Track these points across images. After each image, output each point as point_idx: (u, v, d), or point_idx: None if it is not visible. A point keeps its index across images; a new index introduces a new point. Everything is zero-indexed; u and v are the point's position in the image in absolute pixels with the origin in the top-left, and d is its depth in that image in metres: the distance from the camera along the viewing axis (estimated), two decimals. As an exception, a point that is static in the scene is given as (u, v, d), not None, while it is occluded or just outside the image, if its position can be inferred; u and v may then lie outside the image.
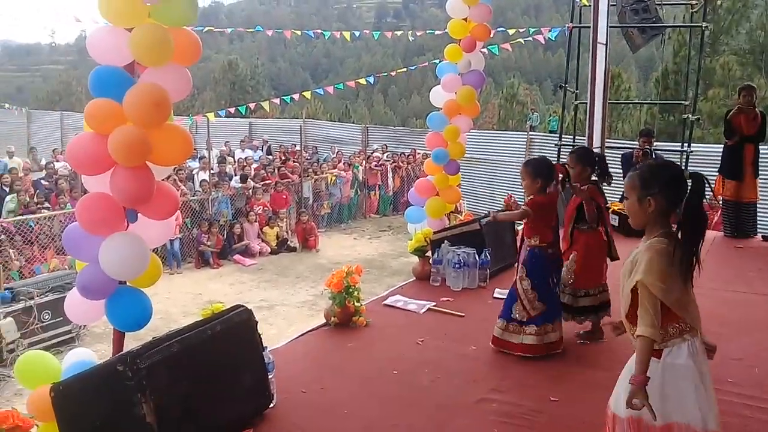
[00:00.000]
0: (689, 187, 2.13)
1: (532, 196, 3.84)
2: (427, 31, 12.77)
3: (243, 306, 3.22)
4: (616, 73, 23.68)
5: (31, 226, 9.90)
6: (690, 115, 10.81)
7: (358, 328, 4.35)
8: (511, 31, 11.86)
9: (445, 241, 5.37)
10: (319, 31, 14.87)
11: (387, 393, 3.45)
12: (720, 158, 7.29)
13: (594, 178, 4.25)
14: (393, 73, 13.55)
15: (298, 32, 13.84)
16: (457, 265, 5.20)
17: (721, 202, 7.52)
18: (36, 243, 9.88)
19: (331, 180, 14.86)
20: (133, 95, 2.66)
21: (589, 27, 8.99)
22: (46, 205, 10.82)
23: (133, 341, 3.19)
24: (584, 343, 4.12)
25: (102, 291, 2.88)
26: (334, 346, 4.10)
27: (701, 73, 12.85)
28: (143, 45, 2.68)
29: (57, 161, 15.25)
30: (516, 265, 4.09)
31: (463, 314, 4.63)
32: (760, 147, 6.85)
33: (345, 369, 3.74)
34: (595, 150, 8.40)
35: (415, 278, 5.52)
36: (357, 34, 14.54)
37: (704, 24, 10.09)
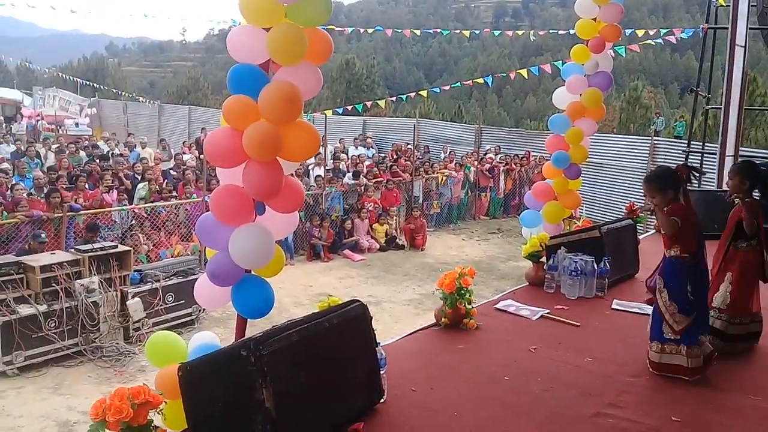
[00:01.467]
0: None
1: (668, 207, 3.61)
2: (550, 31, 12.43)
3: (359, 301, 3.27)
4: (752, 77, 22.10)
5: (160, 212, 10.57)
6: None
7: (469, 330, 4.32)
8: (640, 32, 11.32)
9: (562, 247, 5.22)
10: (438, 30, 14.86)
11: (498, 398, 3.39)
12: None
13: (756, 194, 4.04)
14: (512, 75, 13.28)
15: (417, 31, 13.89)
16: (573, 273, 5.04)
17: None
18: (163, 229, 10.54)
19: (442, 180, 14.84)
20: (269, 93, 2.77)
21: (727, 28, 8.49)
22: (174, 193, 11.49)
23: (250, 329, 3.34)
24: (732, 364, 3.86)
25: (229, 278, 3.03)
26: (444, 346, 4.09)
27: None
28: (280, 44, 2.78)
29: (185, 153, 16.17)
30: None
31: (578, 324, 4.48)
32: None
33: (455, 370, 3.72)
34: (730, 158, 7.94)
35: (528, 283, 5.41)
36: (477, 32, 14.41)
37: None
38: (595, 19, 5.56)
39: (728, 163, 8.04)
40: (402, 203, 13.79)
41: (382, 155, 17.84)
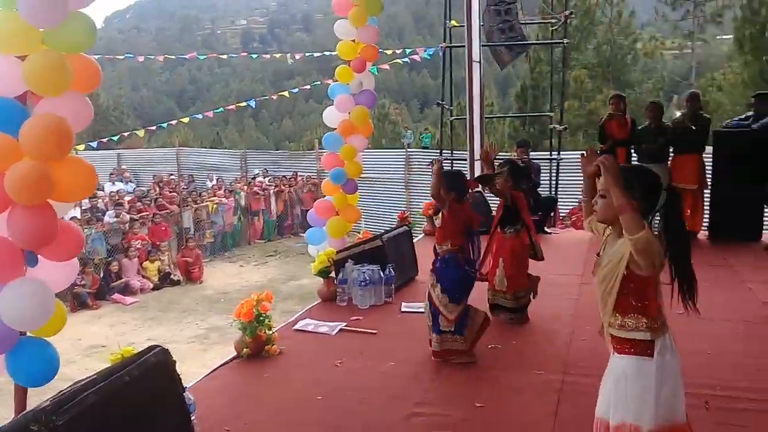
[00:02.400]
0: (665, 200, 2.18)
1: (449, 206, 3.96)
2: (306, 54, 12.80)
3: (159, 346, 3.02)
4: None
5: None
6: (557, 125, 11.57)
7: (272, 356, 4.23)
8: (388, 52, 12.15)
9: (349, 260, 5.36)
10: (194, 54, 14.46)
11: (314, 419, 3.37)
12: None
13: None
14: (274, 97, 13.43)
15: (173, 57, 13.39)
16: (363, 283, 5.20)
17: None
18: None
19: (212, 208, 14.43)
20: (31, 127, 2.45)
21: (462, 46, 9.41)
22: None
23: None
24: (495, 347, 4.26)
25: (2, 344, 2.61)
26: (250, 378, 3.96)
27: (559, 86, 13.79)
28: (39, 73, 2.48)
29: None
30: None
31: (375, 331, 4.63)
32: (630, 150, 7.38)
33: (266, 400, 3.62)
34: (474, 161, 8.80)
35: (321, 300, 5.45)
36: (234, 56, 14.26)
37: (566, 40, 10.87)
38: (354, 41, 5.82)
39: (477, 166, 8.89)
40: (172, 236, 13.12)
41: (143, 189, 16.81)
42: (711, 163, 7.19)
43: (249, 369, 4.07)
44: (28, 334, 2.77)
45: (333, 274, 5.44)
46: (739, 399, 3.33)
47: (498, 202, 4.78)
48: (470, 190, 4.17)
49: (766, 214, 7.12)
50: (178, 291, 11.86)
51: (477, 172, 8.68)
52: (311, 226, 6.12)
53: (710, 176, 7.17)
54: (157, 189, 15.60)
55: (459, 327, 3.92)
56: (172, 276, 12.26)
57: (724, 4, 24.66)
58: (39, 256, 2.69)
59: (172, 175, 17.21)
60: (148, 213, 12.94)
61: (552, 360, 4.01)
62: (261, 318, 4.23)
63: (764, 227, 7.14)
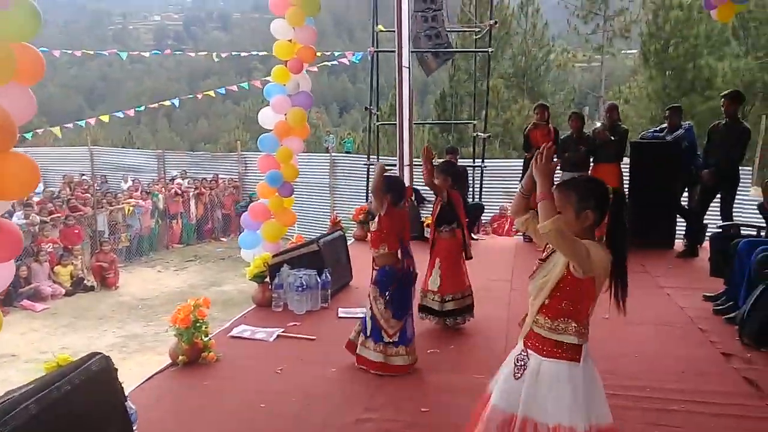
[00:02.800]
0: (614, 205, 2.24)
1: (386, 209, 3.95)
2: (233, 53, 12.51)
3: (100, 353, 2.88)
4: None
5: None
6: (480, 133, 11.85)
7: (209, 364, 4.10)
8: (318, 54, 12.03)
9: (285, 265, 5.28)
10: (114, 51, 13.84)
11: (258, 428, 3.30)
12: (521, 170, 8.02)
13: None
14: (199, 96, 13.05)
15: (90, 52, 12.77)
16: (299, 288, 5.13)
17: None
18: None
19: (129, 210, 13.87)
20: (-33, 121, 2.27)
21: (391, 51, 9.48)
22: None
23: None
24: (434, 352, 4.31)
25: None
26: (189, 386, 3.82)
27: (480, 94, 14.15)
28: (-24, 63, 2.30)
29: None
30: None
31: (314, 337, 4.58)
32: (553, 159, 7.61)
33: (208, 409, 3.50)
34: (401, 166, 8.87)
35: (256, 306, 5.34)
36: (149, 54, 13.76)
37: (490, 49, 11.14)
38: (291, 41, 5.74)
39: (406, 171, 8.97)
40: (86, 240, 12.50)
41: (52, 189, 15.94)
42: (628, 173, 7.52)
43: (186, 377, 3.93)
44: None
45: (268, 279, 5.34)
46: (669, 400, 3.48)
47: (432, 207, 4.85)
48: (407, 198, 4.17)
49: (679, 223, 7.50)
50: (92, 297, 11.32)
51: (406, 177, 8.77)
52: (239, 230, 5.98)
53: (627, 185, 7.49)
54: (69, 190, 14.84)
55: (402, 338, 3.92)
56: (85, 281, 11.69)
57: (632, 20, 25.97)
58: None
59: (84, 175, 16.41)
60: (59, 215, 12.27)
61: (490, 364, 3.99)
62: (198, 324, 4.10)
63: (677, 236, 7.52)
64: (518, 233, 11.36)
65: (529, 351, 2.32)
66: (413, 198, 5.27)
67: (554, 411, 2.21)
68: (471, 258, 4.82)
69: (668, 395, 3.54)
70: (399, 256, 4.01)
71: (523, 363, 2.33)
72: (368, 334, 3.95)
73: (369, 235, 4.32)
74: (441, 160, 5.61)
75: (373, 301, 3.96)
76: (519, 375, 2.33)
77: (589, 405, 2.22)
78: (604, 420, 2.26)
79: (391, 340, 3.89)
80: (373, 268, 4.06)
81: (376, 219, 4.04)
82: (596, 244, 2.19)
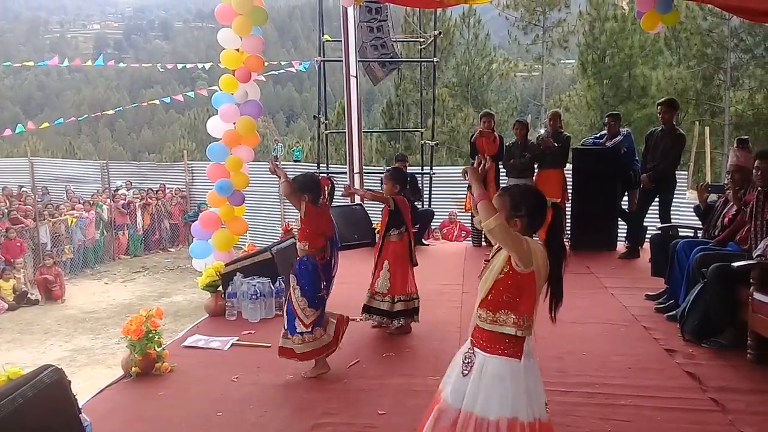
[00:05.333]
0: (552, 217, 2.35)
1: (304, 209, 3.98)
2: (178, 65, 12.37)
3: (52, 365, 2.84)
4: (343, 105, 25.24)
5: None
6: (428, 141, 12.04)
7: (163, 375, 4.07)
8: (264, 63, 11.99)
9: (238, 273, 5.27)
10: (55, 63, 13.47)
11: (218, 436, 3.29)
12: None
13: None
14: (145, 104, 12.83)
15: (30, 63, 12.44)
16: (253, 296, 5.13)
17: (471, 216, 8.39)
18: None
19: (72, 222, 13.50)
20: None
21: (338, 60, 9.56)
22: None
23: None
24: (390, 355, 4.37)
25: None
26: (143, 397, 3.78)
27: (426, 103, 14.39)
28: None
29: None
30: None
31: (269, 344, 4.57)
32: (499, 165, 7.81)
33: (165, 420, 3.48)
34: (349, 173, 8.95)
35: (209, 315, 5.31)
36: (91, 62, 13.44)
37: (436, 59, 11.35)
38: (238, 50, 5.75)
39: (357, 178, 9.05)
40: (28, 253, 12.11)
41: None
42: (571, 178, 7.75)
43: (141, 388, 3.90)
44: None
45: (221, 288, 5.32)
46: (618, 396, 3.62)
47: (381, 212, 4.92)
48: (325, 192, 4.12)
49: (621, 225, 7.78)
50: (37, 311, 11.00)
51: (357, 184, 8.85)
52: (188, 240, 5.94)
53: (571, 190, 7.72)
54: (8, 202, 14.35)
55: (313, 328, 3.95)
56: (29, 295, 11.33)
57: (569, 31, 26.72)
58: None
59: (23, 186, 15.90)
60: (0, 228, 11.87)
61: (445, 365, 4.12)
62: (151, 335, 4.07)
63: (619, 237, 7.80)
64: (467, 238, 11.59)
65: (476, 348, 2.40)
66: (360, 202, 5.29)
67: (497, 406, 2.29)
68: (416, 264, 4.88)
69: (616, 391, 3.68)
70: (323, 251, 4.04)
71: (470, 360, 2.40)
72: (286, 326, 4.00)
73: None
74: (389, 167, 5.69)
75: (291, 290, 4.01)
76: (467, 372, 2.40)
77: (531, 399, 2.31)
78: (543, 415, 2.35)
79: (304, 330, 3.92)
80: (296, 257, 4.10)
81: (298, 219, 4.06)
82: (535, 242, 2.31)
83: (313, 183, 4.04)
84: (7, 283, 11.10)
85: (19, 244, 11.88)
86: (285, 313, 4.03)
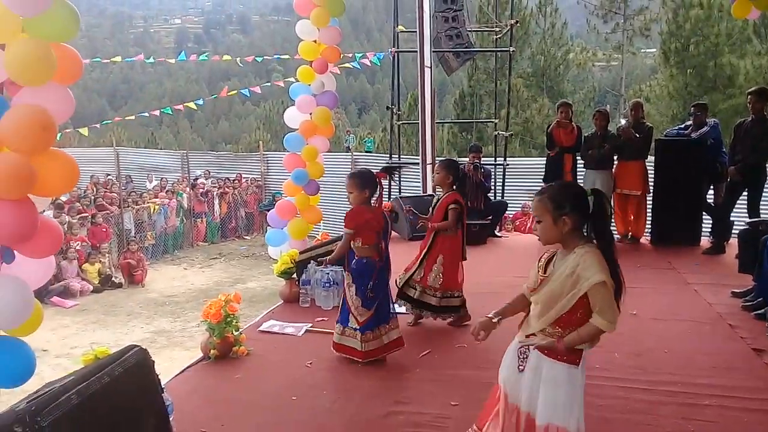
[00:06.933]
0: (593, 203, 2.27)
1: (354, 206, 3.97)
2: (255, 58, 12.64)
3: (138, 345, 2.95)
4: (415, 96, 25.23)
5: None
6: (503, 132, 11.85)
7: (240, 358, 4.17)
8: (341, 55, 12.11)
9: (312, 261, 5.34)
10: (141, 57, 14.03)
11: (293, 419, 3.34)
12: (542, 169, 8.01)
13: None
14: (224, 93, 13.18)
15: (117, 59, 13.02)
16: (326, 284, 5.19)
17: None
18: None
19: (154, 209, 14.05)
20: (13, 118, 2.35)
21: (412, 51, 9.53)
22: None
23: None
24: (462, 347, 4.32)
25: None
26: (220, 379, 3.89)
27: (500, 93, 14.16)
28: (23, 62, 2.38)
29: None
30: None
31: (342, 332, 4.62)
32: (576, 157, 7.62)
33: (240, 402, 3.57)
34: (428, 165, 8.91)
35: (283, 301, 5.41)
36: (174, 60, 13.91)
37: (512, 48, 11.13)
38: (315, 41, 5.81)
39: (429, 170, 9.01)
40: (113, 238, 12.70)
41: (78, 189, 16.20)
42: (653, 170, 7.48)
43: (219, 371, 4.00)
44: (1, 333, 2.66)
45: (295, 276, 5.41)
46: (700, 395, 3.47)
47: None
48: (379, 185, 4.05)
49: (705, 220, 7.46)
50: (120, 294, 11.51)
51: (429, 175, 8.82)
52: (262, 228, 6.07)
53: (653, 182, 7.46)
54: (95, 189, 15.08)
55: (363, 327, 3.95)
56: (113, 278, 11.88)
57: (652, 18, 25.76)
58: (16, 252, 2.58)
59: (109, 175, 16.66)
60: (87, 214, 12.49)
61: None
62: (229, 319, 4.18)
63: (703, 232, 7.47)
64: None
65: (530, 347, 2.38)
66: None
67: (549, 411, 2.27)
68: (466, 259, 4.79)
69: (700, 390, 3.53)
70: (377, 249, 4.00)
71: (525, 356, 2.40)
72: (339, 319, 4.03)
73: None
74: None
75: (346, 287, 4.02)
76: (522, 367, 2.41)
77: (581, 407, 2.28)
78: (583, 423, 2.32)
79: (355, 326, 3.94)
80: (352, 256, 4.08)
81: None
82: (593, 252, 2.24)
83: (371, 179, 4.01)
84: (93, 267, 11.68)
85: (104, 230, 12.47)
86: (340, 307, 4.07)
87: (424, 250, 4.69)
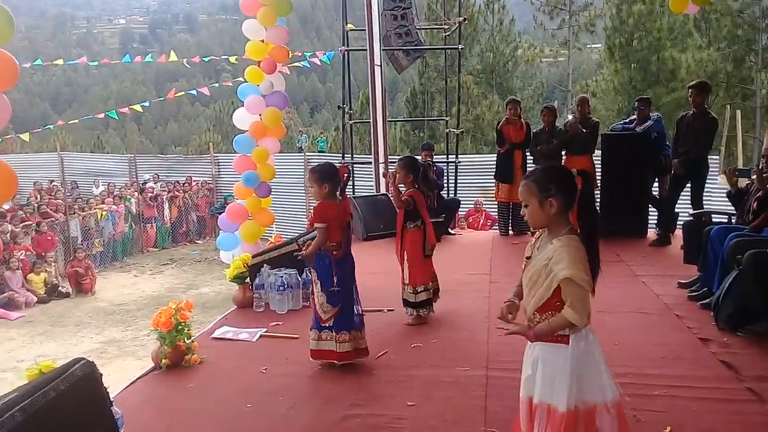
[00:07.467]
0: (579, 186, 2.30)
1: (319, 201, 3.92)
2: (203, 58, 12.42)
3: (84, 358, 2.85)
4: (367, 95, 25.25)
5: None
6: (454, 129, 11.94)
7: (193, 366, 4.09)
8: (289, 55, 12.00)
9: (265, 265, 5.28)
10: (84, 60, 13.63)
11: (246, 428, 3.29)
12: (494, 165, 8.10)
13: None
14: (171, 97, 12.89)
15: (60, 62, 12.58)
16: (281, 288, 5.13)
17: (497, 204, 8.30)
18: None
19: (102, 215, 13.69)
20: (-57, 128, 2.25)
21: (362, 50, 9.50)
22: None
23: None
24: (417, 346, 4.34)
25: None
26: (173, 389, 3.80)
27: (450, 91, 14.27)
28: (-49, 69, 2.27)
29: None
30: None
31: (297, 336, 4.57)
32: (525, 153, 7.72)
33: (194, 411, 3.49)
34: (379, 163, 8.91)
35: (237, 307, 5.33)
36: (127, 59, 13.57)
37: (460, 46, 11.22)
38: (263, 41, 5.73)
39: (381, 169, 9.00)
40: (59, 246, 12.32)
41: (21, 196, 15.67)
42: (600, 164, 7.62)
43: (171, 380, 3.92)
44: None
45: (248, 280, 5.33)
46: (650, 386, 3.53)
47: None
48: (346, 180, 4.01)
49: (651, 212, 7.64)
50: (68, 304, 11.18)
51: (381, 174, 8.81)
52: (214, 232, 5.97)
53: (599, 177, 7.60)
54: (38, 196, 14.60)
55: (337, 325, 3.89)
56: (60, 288, 11.53)
57: (596, 14, 26.32)
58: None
59: (53, 181, 16.15)
60: (31, 222, 12.08)
61: (474, 356, 4.11)
62: (180, 327, 4.09)
63: (649, 224, 7.66)
64: (493, 226, 11.51)
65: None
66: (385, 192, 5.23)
67: (539, 390, 2.28)
68: (428, 256, 4.80)
69: (650, 381, 3.60)
70: (340, 246, 3.93)
71: (531, 353, 2.40)
72: (313, 326, 3.97)
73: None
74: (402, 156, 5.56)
75: (313, 285, 3.99)
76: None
77: (577, 387, 2.24)
78: (594, 401, 2.27)
79: (325, 325, 3.89)
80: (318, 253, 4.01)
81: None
82: (569, 246, 2.23)
83: (331, 172, 3.93)
84: (39, 277, 11.30)
85: (50, 238, 12.09)
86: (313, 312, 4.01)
87: (398, 249, 4.78)
